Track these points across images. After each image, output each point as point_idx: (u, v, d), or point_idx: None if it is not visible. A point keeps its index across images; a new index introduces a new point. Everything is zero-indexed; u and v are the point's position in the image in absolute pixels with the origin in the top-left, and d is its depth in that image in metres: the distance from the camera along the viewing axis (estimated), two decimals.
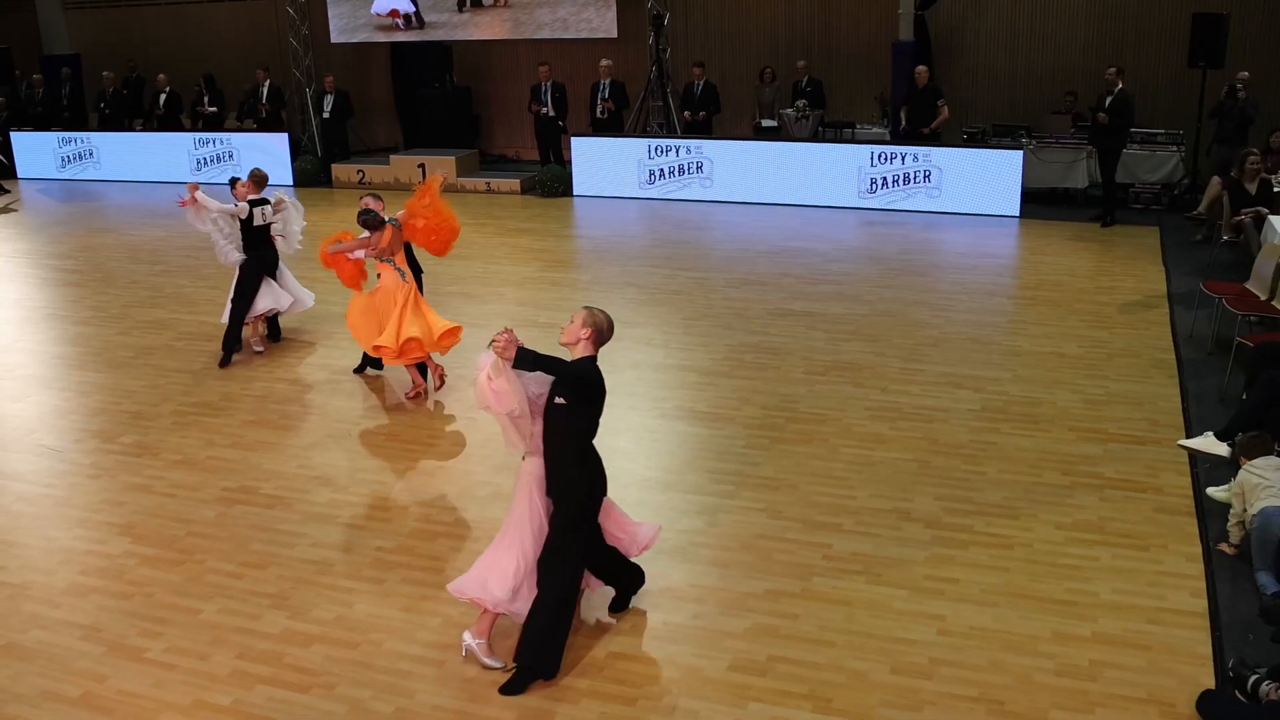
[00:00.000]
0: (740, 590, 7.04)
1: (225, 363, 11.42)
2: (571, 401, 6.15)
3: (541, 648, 6.18)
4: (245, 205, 11.32)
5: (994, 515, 7.83)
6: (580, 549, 6.33)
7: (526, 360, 5.93)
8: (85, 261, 16.01)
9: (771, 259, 14.90)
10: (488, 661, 6.34)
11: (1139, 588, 6.93)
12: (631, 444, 9.15)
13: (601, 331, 6.27)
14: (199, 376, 11.13)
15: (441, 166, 19.58)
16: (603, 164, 19.17)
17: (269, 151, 20.76)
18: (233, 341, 11.49)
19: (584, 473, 6.28)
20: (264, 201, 11.47)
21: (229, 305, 11.51)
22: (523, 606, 6.25)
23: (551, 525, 6.29)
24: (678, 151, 18.62)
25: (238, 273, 11.53)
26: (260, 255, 11.53)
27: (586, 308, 6.28)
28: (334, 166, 21.13)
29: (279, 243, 11.72)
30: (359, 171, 20.85)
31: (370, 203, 10.18)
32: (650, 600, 6.96)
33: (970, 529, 7.66)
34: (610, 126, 19.50)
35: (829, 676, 6.21)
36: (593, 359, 6.22)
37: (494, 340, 5.84)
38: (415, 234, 10.14)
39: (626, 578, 6.85)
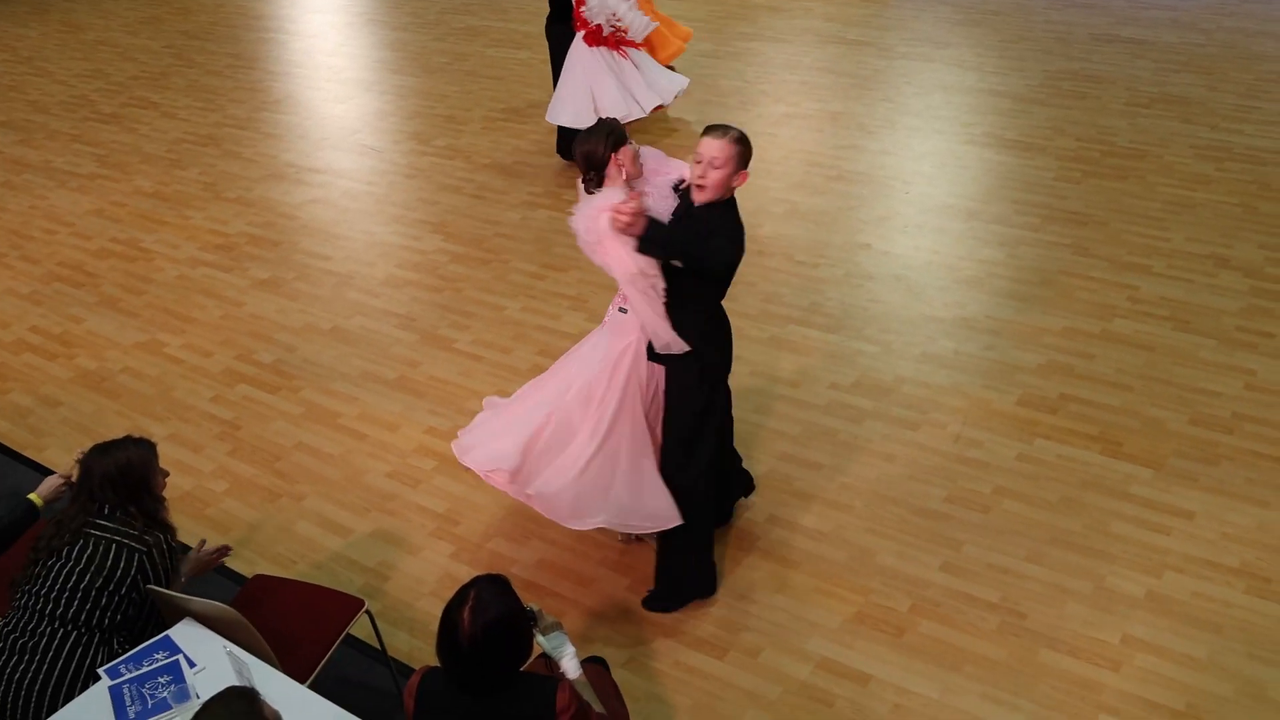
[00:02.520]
0: (1037, 325, 6.85)
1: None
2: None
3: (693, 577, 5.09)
4: None
5: None
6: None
7: (656, 242, 4.30)
8: None
9: None
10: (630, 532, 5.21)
11: None
12: (935, 169, 8.87)
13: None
14: (508, 84, 11.35)
15: None
16: None
17: None
18: None
19: (717, 335, 4.77)
20: None
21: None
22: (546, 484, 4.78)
23: (672, 415, 4.74)
24: None
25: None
26: None
27: (727, 134, 4.37)
28: None
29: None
30: None
31: None
32: (942, 328, 6.87)
33: None
34: None
35: (1122, 420, 6.03)
36: (732, 205, 4.43)
37: (617, 212, 4.26)
38: None
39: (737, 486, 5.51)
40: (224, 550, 4.39)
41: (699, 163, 4.33)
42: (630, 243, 4.28)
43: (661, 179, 4.59)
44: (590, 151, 4.53)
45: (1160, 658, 4.69)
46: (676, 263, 4.35)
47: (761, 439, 6.01)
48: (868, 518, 5.43)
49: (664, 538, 4.92)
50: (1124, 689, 4.57)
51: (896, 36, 9.38)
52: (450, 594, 3.31)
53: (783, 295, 7.35)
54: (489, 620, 3.18)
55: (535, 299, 7.46)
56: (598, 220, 4.34)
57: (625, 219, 4.21)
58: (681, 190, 4.56)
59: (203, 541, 4.40)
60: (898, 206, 8.34)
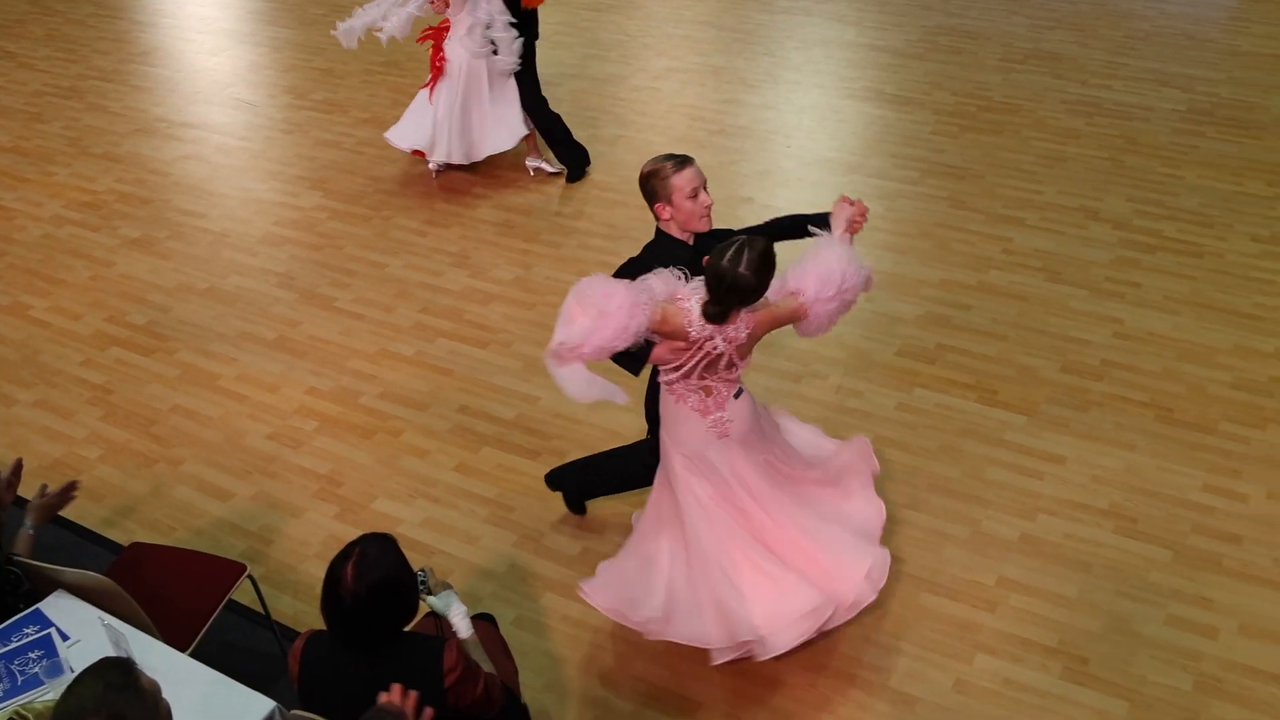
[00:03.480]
0: (915, 278, 6.98)
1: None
2: None
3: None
4: None
5: (1187, 221, 7.51)
6: None
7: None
8: None
9: None
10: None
11: None
12: (815, 123, 8.95)
13: None
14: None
15: None
16: None
17: None
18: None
19: None
20: None
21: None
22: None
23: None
24: None
25: None
26: None
27: (694, 161, 4.27)
28: None
29: None
30: None
31: None
32: None
33: (1160, 234, 7.37)
34: None
35: (997, 369, 6.18)
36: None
37: (851, 220, 4.17)
38: None
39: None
40: (69, 488, 4.22)
41: (694, 196, 4.22)
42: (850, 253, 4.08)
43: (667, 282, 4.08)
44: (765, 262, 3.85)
45: (1034, 597, 4.84)
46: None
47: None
48: None
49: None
50: (1000, 628, 4.71)
51: None
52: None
53: None
54: (373, 580, 3.16)
55: (417, 256, 7.38)
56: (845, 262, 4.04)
57: (863, 213, 4.18)
58: (675, 242, 4.34)
59: (44, 486, 4.22)
60: (779, 161, 8.40)
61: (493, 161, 8.49)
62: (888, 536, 5.13)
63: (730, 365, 4.07)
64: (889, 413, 5.90)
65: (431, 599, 3.63)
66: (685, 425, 4.23)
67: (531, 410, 6.01)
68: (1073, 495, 5.35)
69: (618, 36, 10.97)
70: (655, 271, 4.03)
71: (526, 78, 7.88)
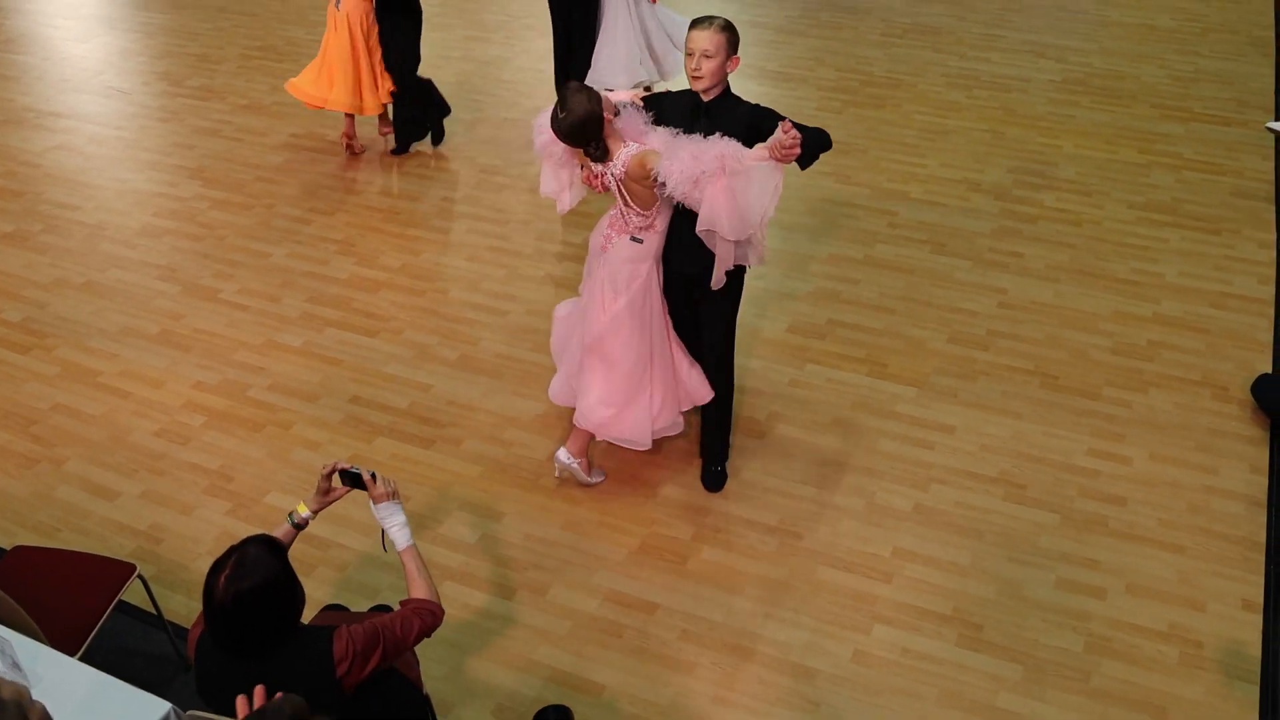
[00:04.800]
0: (803, 254, 7.04)
1: None
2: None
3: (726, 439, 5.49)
4: None
5: (1065, 191, 7.68)
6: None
7: (811, 151, 4.50)
8: None
9: None
10: (588, 479, 5.37)
11: (1206, 271, 6.84)
12: None
13: None
14: (263, 20, 10.93)
15: None
16: None
17: None
18: None
19: None
20: None
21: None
22: (634, 422, 5.12)
23: (709, 304, 4.99)
24: None
25: None
26: None
27: (713, 24, 4.57)
28: None
29: None
30: None
31: None
32: None
33: (1040, 204, 7.53)
34: None
35: (886, 343, 6.27)
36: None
37: (777, 146, 4.29)
38: None
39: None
40: None
41: (690, 55, 4.54)
42: (778, 177, 4.37)
43: (625, 108, 4.65)
44: (588, 116, 4.46)
45: (928, 566, 4.93)
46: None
47: (541, 379, 6.01)
48: (648, 452, 5.50)
49: (713, 414, 5.29)
50: (896, 599, 4.79)
51: None
52: None
53: (555, 233, 7.34)
54: (244, 588, 3.09)
55: (302, 244, 7.25)
56: (723, 165, 4.33)
57: (794, 147, 4.27)
58: (648, 98, 4.78)
59: None
60: None
61: (377, 146, 8.38)
62: (784, 509, 5.19)
63: (625, 200, 4.66)
64: (782, 389, 5.95)
65: (373, 507, 3.75)
66: (600, 222, 4.91)
67: (425, 399, 5.95)
68: (963, 464, 5.45)
69: (500, 18, 10.87)
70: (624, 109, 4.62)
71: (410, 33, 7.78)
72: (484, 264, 7.04)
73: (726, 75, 4.60)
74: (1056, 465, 5.44)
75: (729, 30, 4.56)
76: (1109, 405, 5.80)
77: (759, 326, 6.41)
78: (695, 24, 4.56)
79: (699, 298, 4.94)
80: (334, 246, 7.22)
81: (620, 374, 5.00)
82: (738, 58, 4.61)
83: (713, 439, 5.37)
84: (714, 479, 5.38)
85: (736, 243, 4.57)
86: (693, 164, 4.34)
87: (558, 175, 4.87)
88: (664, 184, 4.42)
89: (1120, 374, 6.01)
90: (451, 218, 7.53)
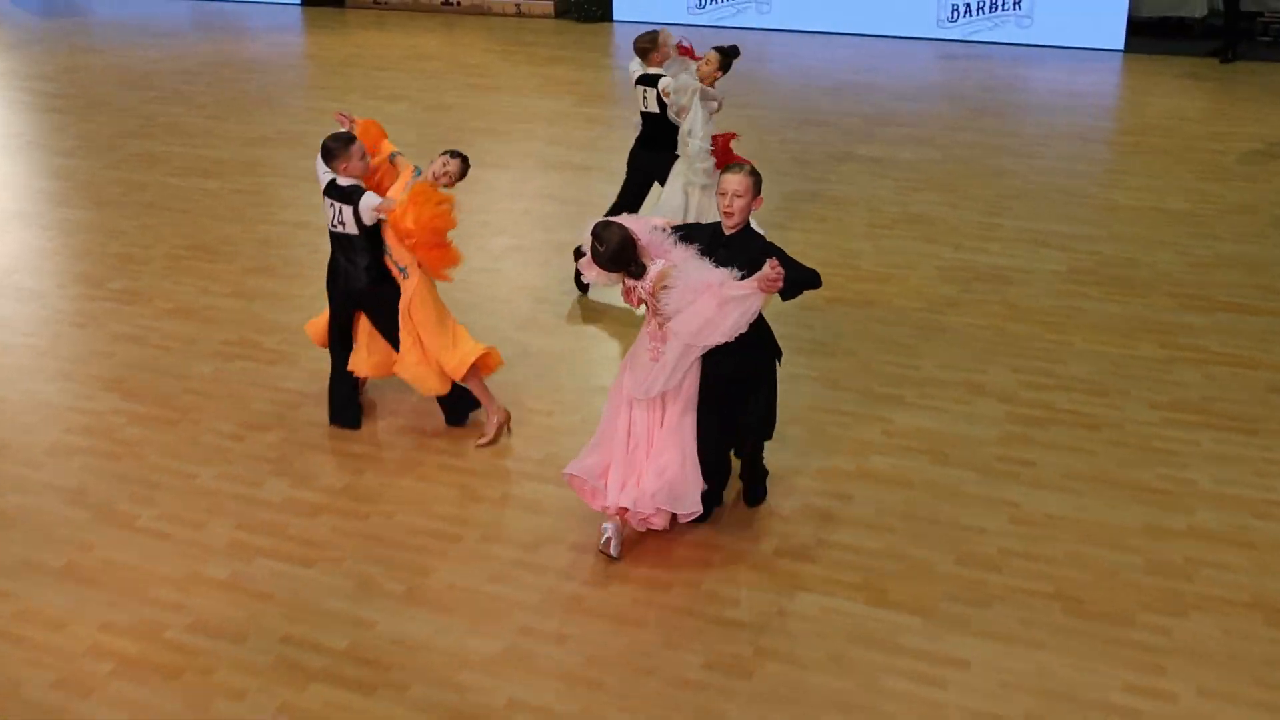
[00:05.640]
0: (788, 467, 6.99)
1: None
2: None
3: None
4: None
5: (1079, 391, 7.71)
6: None
7: (796, 284, 6.02)
8: (69, 85, 15.88)
9: (835, 96, 14.59)
10: (614, 552, 6.25)
11: (1245, 476, 6.82)
12: None
13: None
14: (195, 217, 11.07)
15: None
16: None
17: None
18: None
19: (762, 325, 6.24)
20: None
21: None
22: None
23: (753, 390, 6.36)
24: None
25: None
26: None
27: (743, 170, 6.12)
28: None
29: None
30: None
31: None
32: None
33: (1051, 406, 7.55)
34: None
35: (886, 565, 6.18)
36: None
37: (763, 279, 5.65)
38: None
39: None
40: None
41: (723, 195, 6.03)
42: (756, 303, 5.77)
43: (652, 235, 6.02)
44: (624, 241, 5.87)
45: None
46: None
47: (501, 613, 5.87)
48: (618, 693, 5.31)
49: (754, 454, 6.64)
50: None
51: (623, 160, 9.67)
52: None
53: (514, 447, 7.29)
54: None
55: (232, 464, 7.17)
56: (723, 295, 5.71)
57: (777, 280, 5.66)
58: (677, 226, 6.24)
59: None
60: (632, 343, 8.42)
61: (318, 353, 8.39)
62: None
63: (658, 311, 5.91)
64: (769, 620, 5.82)
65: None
66: (641, 339, 6.19)
67: (366, 637, 5.79)
68: (982, 705, 5.30)
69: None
70: (653, 231, 6.04)
71: None
72: (435, 483, 6.96)
73: (749, 214, 6.11)
74: (1090, 704, 5.28)
75: (756, 175, 6.11)
76: (1145, 633, 5.68)
77: (740, 550, 6.31)
78: (727, 169, 6.12)
79: (737, 406, 6.30)
80: (268, 466, 7.13)
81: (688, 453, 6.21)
82: (761, 198, 6.15)
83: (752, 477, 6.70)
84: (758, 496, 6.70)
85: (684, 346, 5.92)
86: (694, 281, 5.75)
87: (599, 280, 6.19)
88: (669, 292, 5.78)
89: (1156, 596, 5.91)
90: (398, 432, 7.47)
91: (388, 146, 7.50)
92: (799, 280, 5.97)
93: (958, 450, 7.12)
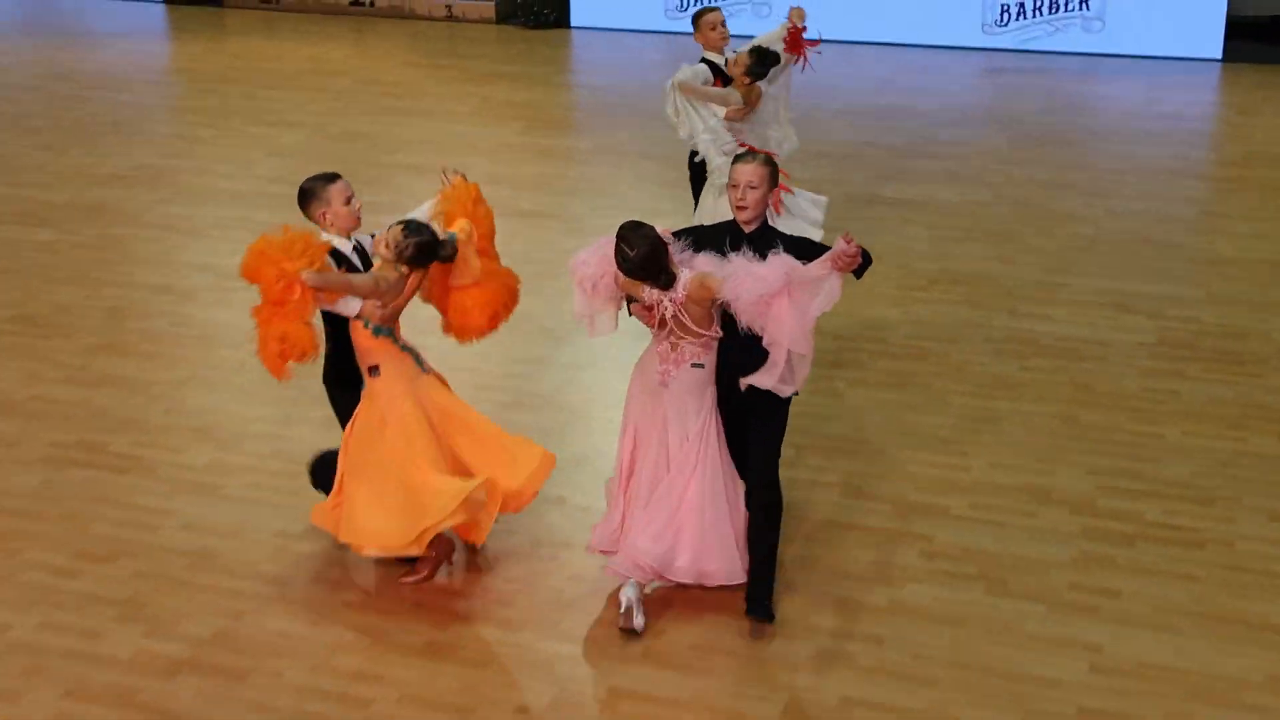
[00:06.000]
0: (802, 601, 6.93)
1: None
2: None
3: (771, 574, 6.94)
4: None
5: (1175, 499, 7.67)
6: None
7: (866, 262, 6.57)
8: None
9: (854, 122, 14.66)
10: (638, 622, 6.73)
11: None
12: None
13: None
14: (24, 278, 11.00)
15: None
16: None
17: None
18: None
19: None
20: None
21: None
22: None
23: (759, 428, 6.87)
24: None
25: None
26: None
27: (756, 159, 6.85)
28: None
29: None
30: None
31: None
32: (673, 614, 6.86)
33: (1140, 518, 7.51)
34: None
35: None
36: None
37: (841, 255, 6.14)
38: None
39: None
40: None
41: (735, 187, 6.70)
42: (836, 285, 6.25)
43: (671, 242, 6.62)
44: (655, 245, 6.42)
45: None
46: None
47: None
48: None
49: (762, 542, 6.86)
50: None
51: (585, 204, 9.59)
52: None
53: (426, 601, 7.18)
54: None
55: (63, 608, 7.04)
56: (789, 280, 6.23)
57: (856, 255, 6.16)
58: (679, 231, 6.87)
59: None
60: (599, 444, 8.32)
61: (180, 458, 8.26)
62: None
63: (683, 327, 6.55)
64: None
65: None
66: (647, 360, 6.83)
67: None
68: None
69: None
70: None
71: None
72: (339, 627, 6.89)
73: (767, 207, 6.86)
74: None
75: (770, 165, 6.81)
76: None
77: (741, 710, 6.22)
78: (739, 159, 6.89)
79: (750, 423, 6.83)
80: (112, 610, 7.01)
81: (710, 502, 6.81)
82: (778, 189, 7.17)
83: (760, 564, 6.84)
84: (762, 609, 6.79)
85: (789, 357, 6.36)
86: (758, 285, 6.22)
87: (591, 303, 6.75)
88: (732, 303, 6.30)
89: None
90: (290, 562, 7.37)
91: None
92: (867, 255, 6.52)
93: (1020, 576, 7.06)
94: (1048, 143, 13.90)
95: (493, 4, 19.68)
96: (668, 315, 6.55)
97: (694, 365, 6.69)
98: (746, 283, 6.26)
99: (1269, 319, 9.75)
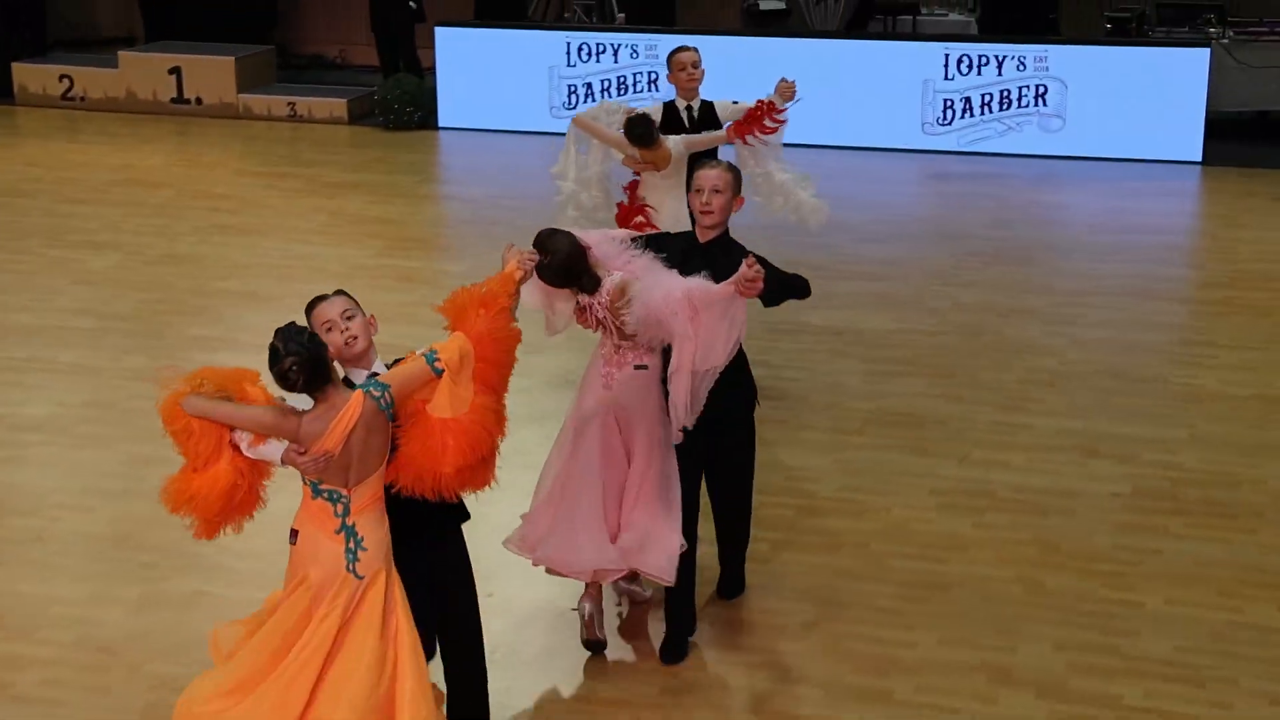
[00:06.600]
0: None
1: None
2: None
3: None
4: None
5: (1159, 679, 7.67)
6: None
7: (776, 289, 7.36)
8: None
9: (774, 237, 14.72)
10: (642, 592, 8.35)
11: None
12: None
13: None
14: None
15: (214, 74, 19.37)
16: (491, 74, 19.24)
17: None
18: None
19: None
20: None
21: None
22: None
23: (726, 461, 8.12)
24: (616, 53, 18.53)
25: None
26: None
27: (720, 164, 7.91)
28: (16, 67, 21.24)
29: None
30: (63, 78, 20.70)
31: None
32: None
33: (1118, 702, 7.50)
34: (505, 11, 19.42)
35: None
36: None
37: (741, 280, 6.83)
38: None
39: None
40: None
41: (699, 192, 7.53)
42: (740, 309, 7.03)
43: (609, 245, 7.41)
44: (571, 251, 7.10)
45: None
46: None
47: None
48: None
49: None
50: None
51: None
52: None
53: None
54: None
55: None
56: (687, 301, 6.92)
57: (756, 280, 6.81)
58: (645, 238, 8.07)
59: None
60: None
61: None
62: None
63: (619, 330, 7.25)
64: None
65: None
66: (592, 368, 7.64)
67: None
68: None
69: None
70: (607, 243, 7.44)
71: None
72: None
73: (729, 215, 7.60)
74: None
75: (735, 171, 7.70)
76: None
77: None
78: (701, 164, 7.81)
79: (714, 454, 7.88)
80: None
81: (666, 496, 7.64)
82: (742, 198, 7.72)
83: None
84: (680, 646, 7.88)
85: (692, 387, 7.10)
86: (662, 304, 6.93)
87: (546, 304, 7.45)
88: (631, 310, 7.04)
89: None
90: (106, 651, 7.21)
91: None
92: (785, 282, 7.44)
93: None
94: (1000, 260, 14.02)
95: (344, 101, 19.70)
96: (599, 318, 7.31)
97: (637, 367, 7.48)
98: (652, 298, 6.99)
99: (1262, 464, 9.83)
